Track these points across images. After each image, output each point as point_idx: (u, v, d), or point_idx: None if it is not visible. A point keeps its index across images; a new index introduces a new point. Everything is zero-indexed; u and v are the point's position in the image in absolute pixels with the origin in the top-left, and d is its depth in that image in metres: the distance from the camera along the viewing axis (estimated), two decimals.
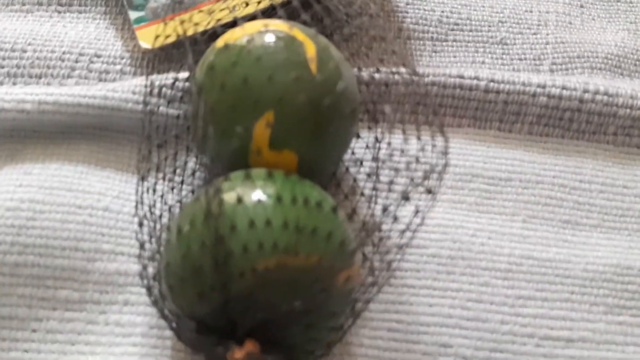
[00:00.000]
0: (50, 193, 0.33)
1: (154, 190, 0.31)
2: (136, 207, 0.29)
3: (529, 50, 0.44)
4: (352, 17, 0.32)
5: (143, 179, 0.30)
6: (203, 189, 0.28)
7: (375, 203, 0.31)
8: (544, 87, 0.39)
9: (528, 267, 0.35)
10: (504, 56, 0.43)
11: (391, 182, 0.31)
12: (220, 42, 0.32)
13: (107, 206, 0.33)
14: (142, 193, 0.30)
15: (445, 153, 0.29)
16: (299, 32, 0.31)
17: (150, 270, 0.29)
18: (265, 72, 0.29)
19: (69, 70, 0.38)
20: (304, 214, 0.27)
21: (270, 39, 0.30)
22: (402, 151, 0.28)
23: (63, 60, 0.38)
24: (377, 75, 0.37)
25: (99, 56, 0.39)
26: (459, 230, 0.36)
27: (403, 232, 0.28)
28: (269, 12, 0.37)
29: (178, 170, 0.35)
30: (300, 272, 0.26)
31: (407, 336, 0.32)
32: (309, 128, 0.30)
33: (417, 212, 0.27)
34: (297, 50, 0.30)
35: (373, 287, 0.28)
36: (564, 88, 0.39)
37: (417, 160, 0.29)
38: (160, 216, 0.30)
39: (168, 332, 0.31)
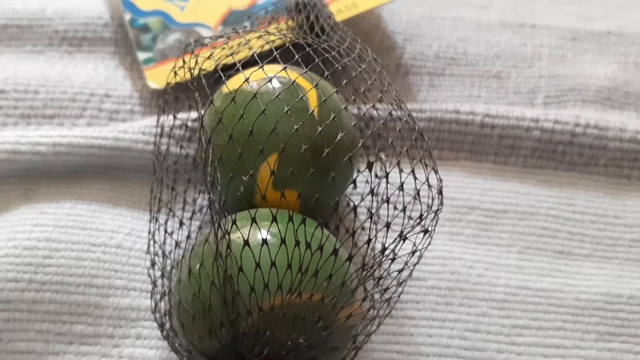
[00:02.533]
0: (65, 232, 0.34)
1: (165, 229, 0.33)
2: (148, 246, 0.31)
3: (523, 83, 0.45)
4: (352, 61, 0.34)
5: (155, 218, 0.32)
6: (211, 230, 0.29)
7: (375, 238, 0.32)
8: (537, 121, 0.41)
9: (523, 297, 0.36)
10: (499, 90, 0.45)
11: (389, 218, 0.33)
12: (226, 89, 0.33)
13: (120, 243, 0.35)
14: (154, 232, 0.32)
15: (440, 193, 0.30)
16: (302, 80, 0.33)
17: (162, 306, 0.31)
18: (271, 120, 0.31)
19: (81, 111, 0.40)
20: (306, 256, 0.28)
21: (275, 86, 0.32)
22: (401, 187, 0.30)
23: (75, 101, 0.40)
24: (375, 113, 0.38)
25: (109, 96, 0.41)
26: (457, 262, 0.37)
27: (400, 271, 0.29)
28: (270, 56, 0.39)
29: (187, 207, 0.36)
30: (304, 310, 0.28)
31: None
32: (309, 170, 0.32)
33: (414, 252, 0.29)
34: (301, 97, 0.32)
35: (374, 322, 0.30)
36: (556, 122, 0.41)
37: (415, 198, 0.31)
38: (170, 252, 0.32)
39: None
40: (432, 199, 0.30)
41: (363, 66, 0.34)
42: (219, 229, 0.28)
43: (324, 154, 0.31)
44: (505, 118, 0.41)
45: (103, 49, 0.43)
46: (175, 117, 0.36)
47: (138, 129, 0.37)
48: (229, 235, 0.28)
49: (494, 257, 0.38)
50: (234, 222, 0.29)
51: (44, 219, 0.35)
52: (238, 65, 0.32)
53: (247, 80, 0.31)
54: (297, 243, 0.28)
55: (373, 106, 0.33)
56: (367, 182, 0.37)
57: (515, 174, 0.41)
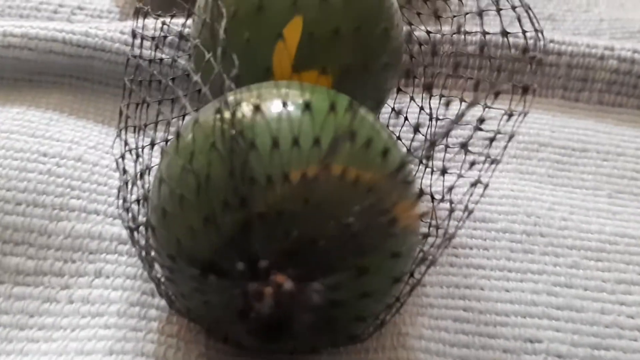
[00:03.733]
0: (7, 137, 0.25)
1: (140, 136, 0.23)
2: (119, 133, 0.22)
3: (582, 26, 0.38)
4: None
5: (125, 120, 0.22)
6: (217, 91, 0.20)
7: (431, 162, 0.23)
8: (612, 49, 0.33)
9: (625, 247, 0.27)
10: (554, 32, 0.37)
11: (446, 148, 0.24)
12: None
13: (81, 156, 0.25)
14: (123, 133, 0.22)
15: (510, 115, 0.22)
16: None
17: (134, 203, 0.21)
18: None
19: (47, 22, 0.31)
20: (356, 123, 0.19)
21: None
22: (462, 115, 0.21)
23: (39, 10, 0.32)
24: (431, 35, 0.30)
25: (82, 9, 0.32)
26: (532, 202, 0.28)
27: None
28: None
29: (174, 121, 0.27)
30: (352, 189, 0.18)
31: (480, 328, 0.24)
32: (346, 40, 0.23)
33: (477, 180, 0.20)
34: None
35: (439, 241, 0.20)
36: (635, 52, 0.33)
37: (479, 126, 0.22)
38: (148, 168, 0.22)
39: (154, 312, 0.22)
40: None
41: None
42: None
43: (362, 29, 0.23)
44: (574, 45, 0.33)
45: None
46: (164, 21, 0.28)
47: (115, 27, 0.29)
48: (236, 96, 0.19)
49: (579, 200, 0.29)
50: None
51: None
52: None
53: None
54: (341, 108, 0.19)
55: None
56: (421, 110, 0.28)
57: (589, 112, 0.33)
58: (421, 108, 0.26)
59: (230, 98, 0.19)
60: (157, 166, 0.21)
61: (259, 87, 0.21)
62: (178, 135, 0.20)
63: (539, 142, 0.31)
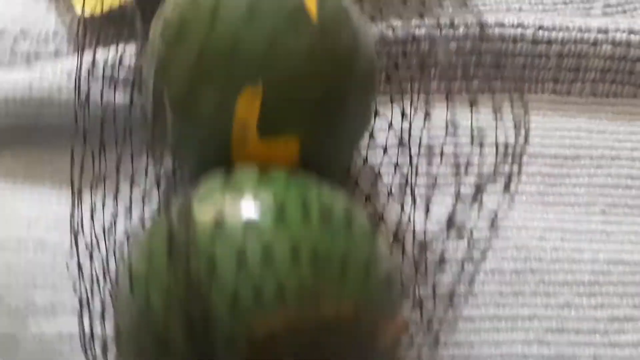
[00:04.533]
0: None
1: (99, 212, 0.22)
2: (71, 242, 0.20)
3: None
4: None
5: (80, 198, 0.21)
6: (163, 203, 0.19)
7: (414, 205, 0.22)
8: (606, 32, 0.30)
9: (618, 276, 0.26)
10: (545, 12, 0.34)
11: (435, 177, 0.22)
12: None
13: (42, 239, 0.24)
14: (81, 220, 0.21)
15: (517, 127, 0.20)
16: None
17: (100, 333, 0.20)
18: (245, 23, 0.20)
19: None
20: (325, 235, 0.17)
21: None
22: (452, 126, 0.19)
23: None
24: (398, 32, 0.27)
25: (25, 34, 0.29)
26: (522, 232, 0.27)
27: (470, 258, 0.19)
28: None
29: (133, 180, 0.25)
30: (325, 332, 0.17)
31: None
32: (313, 100, 0.21)
33: (493, 220, 0.18)
34: None
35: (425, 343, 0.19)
36: (631, 32, 0.30)
37: (477, 141, 0.20)
38: (108, 253, 0.21)
39: None
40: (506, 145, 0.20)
41: None
42: (175, 199, 0.17)
43: (332, 77, 0.21)
44: (565, 30, 0.30)
45: None
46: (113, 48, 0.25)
47: (60, 70, 0.26)
48: (189, 210, 0.17)
49: (571, 222, 0.27)
50: (197, 186, 0.18)
51: None
52: None
53: None
54: (306, 213, 0.18)
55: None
56: (390, 126, 0.26)
57: (582, 106, 0.30)
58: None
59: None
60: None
61: (213, 190, 0.19)
62: (130, 265, 0.18)
63: (528, 153, 0.29)
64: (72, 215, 0.21)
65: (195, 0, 0.20)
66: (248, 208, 0.18)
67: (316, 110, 0.21)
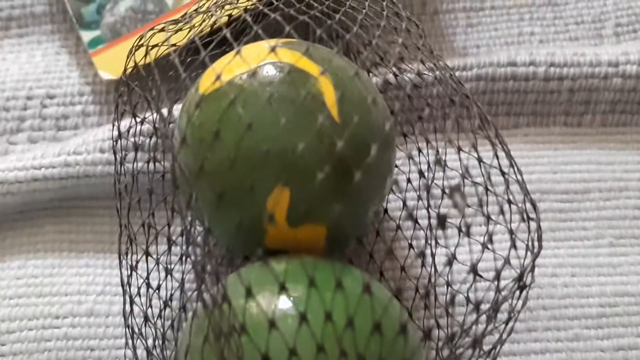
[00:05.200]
0: (17, 304, 0.26)
1: (146, 283, 0.24)
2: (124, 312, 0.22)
3: (585, 10, 0.35)
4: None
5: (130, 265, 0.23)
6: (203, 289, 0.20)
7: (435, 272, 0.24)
8: (616, 65, 0.31)
9: (624, 308, 0.28)
10: (556, 21, 0.35)
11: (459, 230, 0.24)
12: (203, 85, 0.23)
13: (91, 310, 0.26)
14: (131, 297, 0.23)
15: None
16: (307, 62, 0.23)
17: None
18: (264, 140, 0.21)
19: (18, 122, 0.30)
20: (357, 340, 0.19)
21: (269, 80, 0.22)
22: (466, 177, 0.20)
23: (8, 110, 0.30)
24: (402, 78, 0.28)
25: (52, 97, 0.31)
26: (535, 270, 0.28)
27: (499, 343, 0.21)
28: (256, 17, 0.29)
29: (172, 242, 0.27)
30: None
31: None
32: (336, 192, 0.23)
33: (510, 315, 0.20)
34: (310, 91, 0.22)
35: None
36: None
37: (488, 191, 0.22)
38: (160, 314, 0.23)
39: None
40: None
41: (384, 23, 0.24)
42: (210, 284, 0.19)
43: (357, 171, 0.22)
44: (576, 66, 0.31)
45: (37, 30, 0.33)
46: (138, 120, 0.26)
47: (93, 147, 0.27)
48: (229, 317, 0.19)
49: (580, 257, 0.29)
50: (224, 296, 0.20)
51: None
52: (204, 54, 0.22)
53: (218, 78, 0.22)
54: (328, 317, 0.19)
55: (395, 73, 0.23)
56: (408, 181, 0.28)
57: (593, 138, 0.32)
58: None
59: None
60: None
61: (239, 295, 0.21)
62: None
63: (540, 190, 0.30)
64: (123, 285, 0.23)
65: (230, 113, 0.22)
66: (275, 310, 0.20)
67: (340, 200, 0.23)
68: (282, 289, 0.19)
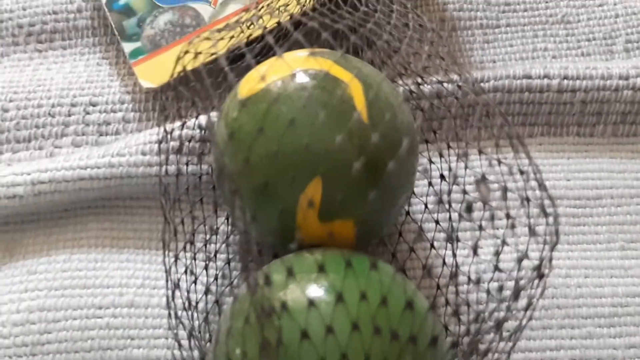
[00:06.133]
0: (62, 295, 0.27)
1: (188, 272, 0.26)
2: (168, 300, 0.24)
3: (597, 27, 0.37)
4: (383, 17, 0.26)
5: (175, 256, 0.24)
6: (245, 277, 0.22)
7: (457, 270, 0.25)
8: (627, 78, 0.33)
9: (635, 308, 0.29)
10: (568, 38, 0.36)
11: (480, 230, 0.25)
12: (242, 91, 0.25)
13: (132, 301, 0.28)
14: (173, 289, 0.25)
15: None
16: (339, 69, 0.25)
17: None
18: (303, 136, 0.23)
19: (62, 127, 0.32)
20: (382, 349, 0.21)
21: (303, 87, 0.24)
22: (486, 185, 0.22)
23: (53, 116, 0.32)
24: (425, 88, 0.30)
25: (94, 104, 0.33)
26: (552, 260, 0.30)
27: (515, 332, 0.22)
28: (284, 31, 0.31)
29: (208, 238, 0.29)
30: None
31: None
32: (367, 191, 0.24)
33: (529, 303, 0.22)
34: (341, 97, 0.24)
35: None
36: None
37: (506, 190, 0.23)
38: (197, 304, 0.25)
39: None
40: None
41: (410, 34, 0.26)
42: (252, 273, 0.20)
43: (385, 170, 0.24)
44: (589, 78, 0.33)
45: (80, 42, 0.35)
46: (183, 126, 0.28)
47: (136, 149, 0.29)
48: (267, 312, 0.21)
49: (593, 259, 0.30)
50: (265, 279, 0.22)
51: (33, 282, 0.28)
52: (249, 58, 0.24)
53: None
54: (363, 296, 0.21)
55: (419, 82, 0.25)
56: (430, 184, 0.29)
57: (604, 147, 0.33)
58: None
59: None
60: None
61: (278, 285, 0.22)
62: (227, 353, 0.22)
63: (554, 196, 0.32)
64: (167, 274, 0.25)
65: (272, 111, 0.24)
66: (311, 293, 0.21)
67: (368, 196, 0.24)
68: (321, 270, 0.20)
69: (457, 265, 0.26)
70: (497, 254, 0.26)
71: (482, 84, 0.32)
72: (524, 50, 0.36)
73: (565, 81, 0.33)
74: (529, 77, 0.33)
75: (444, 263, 0.28)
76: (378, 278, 0.21)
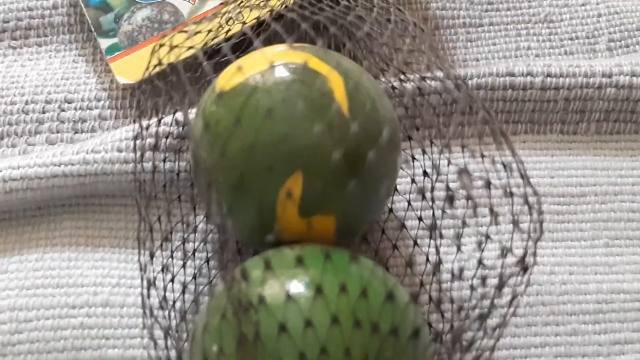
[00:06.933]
0: (34, 294, 0.27)
1: (165, 271, 0.25)
2: (144, 306, 0.23)
3: (579, 26, 0.37)
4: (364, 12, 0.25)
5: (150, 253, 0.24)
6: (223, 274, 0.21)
7: (439, 265, 0.25)
8: (610, 76, 0.33)
9: (620, 304, 0.29)
10: (551, 37, 0.36)
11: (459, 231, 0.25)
12: (220, 84, 0.25)
13: (107, 300, 0.27)
14: (149, 285, 0.24)
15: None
16: (318, 62, 0.24)
17: None
18: (281, 128, 0.23)
19: (36, 125, 0.31)
20: (365, 343, 0.20)
21: (282, 79, 0.24)
22: (468, 175, 0.21)
23: (27, 113, 0.31)
24: (407, 85, 0.30)
25: (70, 101, 0.32)
26: (534, 268, 0.30)
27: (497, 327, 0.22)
28: (263, 27, 0.30)
29: (185, 236, 0.28)
30: None
31: None
32: (347, 185, 0.24)
33: (514, 297, 0.21)
34: (320, 89, 0.23)
35: None
36: (633, 74, 0.33)
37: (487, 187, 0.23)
38: (174, 303, 0.24)
39: None
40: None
41: (392, 27, 0.26)
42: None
43: (365, 162, 0.23)
44: (572, 76, 0.32)
45: (55, 39, 0.34)
46: (159, 122, 0.27)
47: (111, 146, 0.29)
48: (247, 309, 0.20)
49: (577, 256, 0.30)
50: (242, 273, 0.21)
51: (4, 281, 0.27)
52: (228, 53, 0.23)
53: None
54: (343, 288, 0.20)
55: (401, 79, 0.25)
56: (413, 181, 0.29)
57: (588, 144, 0.33)
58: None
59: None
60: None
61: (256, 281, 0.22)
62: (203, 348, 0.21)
63: (538, 193, 0.31)
64: (142, 271, 0.24)
65: (251, 103, 0.23)
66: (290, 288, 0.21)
67: (349, 192, 0.24)
68: (300, 264, 0.20)
69: (440, 261, 0.26)
70: (480, 248, 0.25)
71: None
72: (507, 49, 0.36)
73: (549, 79, 0.32)
74: (512, 74, 0.32)
75: (427, 259, 0.27)
76: (358, 271, 0.20)
